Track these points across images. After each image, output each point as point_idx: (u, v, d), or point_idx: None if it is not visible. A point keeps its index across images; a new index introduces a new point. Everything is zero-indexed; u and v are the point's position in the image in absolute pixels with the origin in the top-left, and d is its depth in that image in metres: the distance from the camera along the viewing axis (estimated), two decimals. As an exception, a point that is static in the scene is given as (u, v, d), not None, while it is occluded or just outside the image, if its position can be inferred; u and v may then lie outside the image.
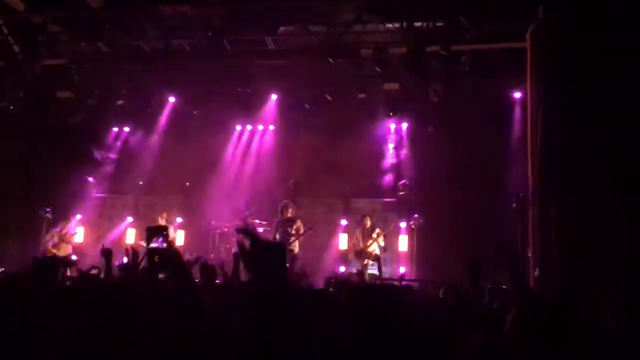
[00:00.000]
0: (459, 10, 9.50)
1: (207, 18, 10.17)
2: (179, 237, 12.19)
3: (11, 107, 11.70)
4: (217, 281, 5.81)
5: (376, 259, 11.16)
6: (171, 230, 11.17)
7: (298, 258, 10.76)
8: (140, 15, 10.33)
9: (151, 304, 2.65)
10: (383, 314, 2.26)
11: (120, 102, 12.37)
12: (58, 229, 11.73)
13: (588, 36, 7.79)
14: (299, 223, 11.01)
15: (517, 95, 11.16)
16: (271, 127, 13.32)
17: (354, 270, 10.62)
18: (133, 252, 5.03)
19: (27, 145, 12.75)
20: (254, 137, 13.55)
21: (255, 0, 9.86)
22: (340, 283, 5.87)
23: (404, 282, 8.36)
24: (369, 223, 11.35)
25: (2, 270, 8.91)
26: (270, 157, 13.09)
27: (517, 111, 11.17)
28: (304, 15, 10.13)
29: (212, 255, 11.06)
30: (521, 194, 9.08)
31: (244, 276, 5.25)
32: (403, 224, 11.91)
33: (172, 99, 12.84)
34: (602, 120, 7.70)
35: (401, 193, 12.19)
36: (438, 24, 9.79)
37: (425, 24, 9.87)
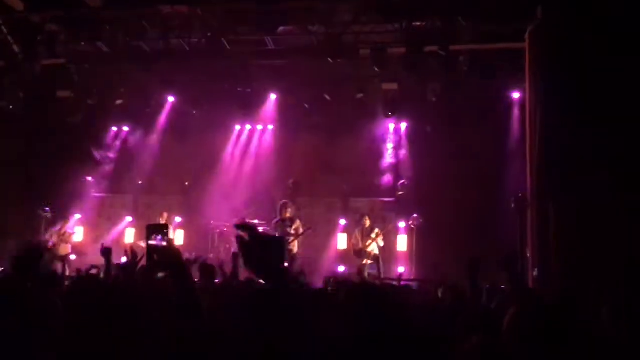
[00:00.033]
0: (457, 11, 9.51)
1: (207, 18, 10.18)
2: (178, 237, 12.18)
3: (11, 107, 11.69)
4: (217, 281, 5.82)
5: (375, 258, 11.17)
6: (170, 230, 11.14)
7: (297, 258, 10.77)
8: (140, 15, 10.34)
9: (150, 303, 2.65)
10: (382, 313, 2.27)
11: (119, 101, 12.37)
12: (57, 229, 11.73)
13: (587, 36, 7.79)
14: (298, 223, 11.01)
15: (516, 95, 11.19)
16: (270, 127, 13.32)
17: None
18: (132, 252, 5.02)
19: (27, 145, 12.76)
20: (253, 136, 13.54)
21: (255, 0, 9.87)
22: (339, 283, 5.89)
23: (402, 282, 8.38)
24: (368, 223, 11.35)
25: (2, 270, 8.89)
26: (270, 157, 13.10)
27: (516, 111, 11.21)
28: (303, 16, 10.15)
29: (211, 255, 11.06)
30: (520, 194, 9.06)
31: (243, 276, 5.28)
32: (402, 224, 11.91)
33: (171, 99, 12.81)
34: (601, 120, 7.69)
35: (400, 193, 12.19)
36: (437, 24, 9.80)
37: (423, 24, 9.88)
